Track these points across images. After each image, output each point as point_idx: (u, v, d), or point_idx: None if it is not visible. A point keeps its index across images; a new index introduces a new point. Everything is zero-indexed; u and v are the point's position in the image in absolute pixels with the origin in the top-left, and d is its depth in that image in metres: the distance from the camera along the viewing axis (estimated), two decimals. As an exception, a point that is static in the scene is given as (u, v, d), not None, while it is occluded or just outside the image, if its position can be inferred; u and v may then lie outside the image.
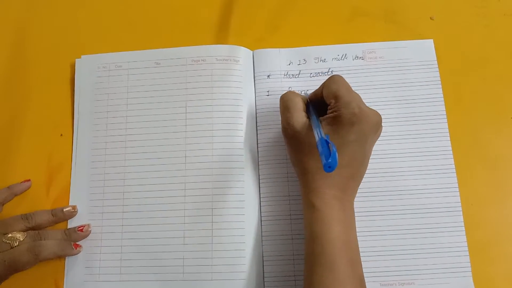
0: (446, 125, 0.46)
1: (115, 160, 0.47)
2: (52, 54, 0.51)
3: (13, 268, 0.41)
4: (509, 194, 0.45)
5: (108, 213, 0.45)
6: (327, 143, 0.34)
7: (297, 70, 0.49)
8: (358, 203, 0.43)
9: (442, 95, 0.47)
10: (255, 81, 0.49)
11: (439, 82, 0.48)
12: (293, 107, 0.41)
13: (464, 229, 0.43)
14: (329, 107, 0.39)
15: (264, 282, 0.43)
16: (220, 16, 0.52)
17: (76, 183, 0.47)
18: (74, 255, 0.44)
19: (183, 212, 0.45)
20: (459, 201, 0.44)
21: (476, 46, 0.49)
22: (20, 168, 0.47)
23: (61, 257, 0.44)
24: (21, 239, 0.42)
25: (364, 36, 0.50)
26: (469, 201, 0.44)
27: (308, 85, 0.48)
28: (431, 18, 0.51)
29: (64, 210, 0.45)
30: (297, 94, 0.42)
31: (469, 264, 0.42)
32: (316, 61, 0.49)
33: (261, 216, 0.45)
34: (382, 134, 0.46)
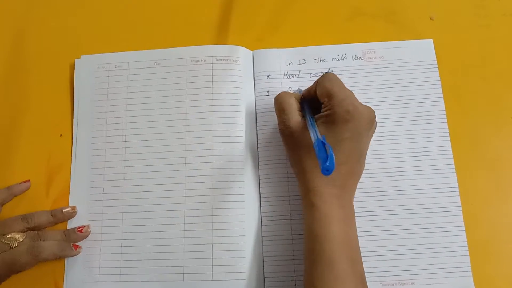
0: (446, 125, 0.46)
1: (114, 160, 0.47)
2: (52, 54, 0.51)
3: (12, 269, 0.41)
4: (509, 194, 0.45)
5: (108, 213, 0.45)
6: (324, 145, 0.34)
7: (297, 70, 0.49)
8: (358, 203, 0.43)
9: (441, 95, 0.47)
10: (255, 81, 0.49)
11: (439, 82, 0.48)
12: (288, 108, 0.41)
13: (464, 229, 0.43)
14: (323, 105, 0.40)
15: (264, 282, 0.43)
16: (220, 16, 0.52)
17: (76, 183, 0.46)
18: (74, 256, 0.44)
19: (183, 212, 0.45)
20: (459, 201, 0.44)
21: (476, 46, 0.49)
22: (20, 168, 0.47)
23: (60, 258, 0.44)
24: (21, 240, 0.42)
25: (364, 36, 0.50)
26: (469, 201, 0.44)
27: (308, 85, 0.48)
28: (430, 18, 0.51)
29: (64, 210, 0.45)
30: (291, 94, 0.43)
31: (469, 264, 0.42)
32: (316, 61, 0.49)
33: (261, 216, 0.45)
34: (382, 134, 0.46)
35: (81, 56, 0.50)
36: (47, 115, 0.49)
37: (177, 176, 0.46)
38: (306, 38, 0.50)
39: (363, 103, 0.40)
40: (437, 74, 0.48)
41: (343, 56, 0.49)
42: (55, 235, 0.44)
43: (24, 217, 0.44)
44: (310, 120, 0.39)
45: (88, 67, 0.50)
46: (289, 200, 0.45)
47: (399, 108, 0.47)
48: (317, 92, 0.40)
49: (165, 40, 0.51)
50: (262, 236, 0.44)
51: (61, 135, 0.48)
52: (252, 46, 0.50)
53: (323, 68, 0.49)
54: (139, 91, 0.48)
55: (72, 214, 0.45)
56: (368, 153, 0.45)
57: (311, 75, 0.49)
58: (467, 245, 0.43)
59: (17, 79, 0.50)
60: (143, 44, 0.50)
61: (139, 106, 0.48)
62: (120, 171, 0.46)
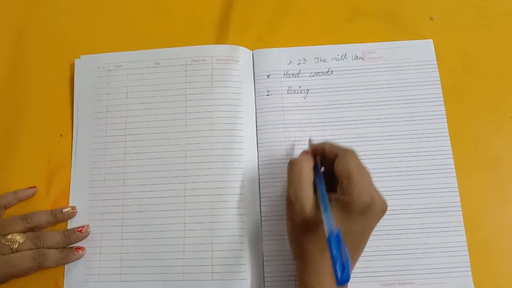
0: (446, 125, 0.46)
1: (115, 160, 0.47)
2: (52, 54, 0.51)
3: (13, 274, 0.41)
4: (509, 194, 0.45)
5: (108, 213, 0.45)
6: (340, 243, 0.31)
7: (297, 69, 0.49)
8: (358, 203, 0.44)
9: (441, 95, 0.47)
10: (255, 81, 0.49)
11: (439, 82, 0.48)
12: (304, 179, 0.37)
13: (464, 229, 0.43)
14: (340, 185, 0.37)
15: (264, 282, 0.43)
16: (220, 16, 0.52)
17: (76, 183, 0.46)
18: (77, 259, 0.44)
19: (183, 212, 0.45)
20: (459, 201, 0.44)
21: (476, 46, 0.49)
22: (20, 168, 0.47)
23: (64, 264, 0.44)
24: (21, 241, 0.42)
25: (364, 36, 0.50)
26: (469, 201, 0.44)
27: (308, 85, 0.48)
28: (431, 18, 0.51)
29: (64, 210, 0.45)
30: (308, 160, 0.39)
31: (469, 264, 0.42)
32: (316, 60, 0.49)
33: (261, 216, 0.45)
34: (382, 134, 0.46)
35: (81, 56, 0.50)
36: (47, 115, 0.49)
37: (177, 175, 0.46)
38: (306, 38, 0.50)
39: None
40: (437, 74, 0.48)
41: (343, 56, 0.49)
42: (55, 236, 0.44)
43: (23, 217, 0.44)
44: (324, 205, 0.35)
45: (88, 67, 0.50)
46: (289, 200, 0.45)
47: (399, 108, 0.47)
48: (336, 167, 0.37)
49: (165, 40, 0.51)
50: (262, 236, 0.44)
51: (61, 135, 0.48)
52: (252, 46, 0.50)
53: (323, 68, 0.49)
54: (139, 91, 0.48)
55: (72, 214, 0.45)
56: (368, 153, 0.46)
57: (311, 74, 0.49)
58: (466, 245, 0.43)
59: (17, 79, 0.50)
60: (143, 44, 0.50)
61: (139, 105, 0.48)
62: (120, 171, 0.46)
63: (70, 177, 0.47)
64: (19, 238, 0.42)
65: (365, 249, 0.42)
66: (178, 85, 0.48)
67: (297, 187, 0.37)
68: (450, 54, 0.49)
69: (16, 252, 0.41)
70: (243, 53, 0.49)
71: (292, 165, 0.39)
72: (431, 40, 0.49)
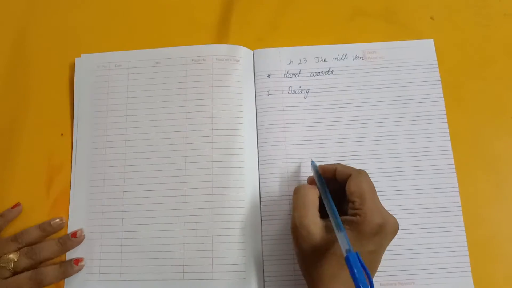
0: (446, 125, 0.46)
1: (115, 159, 0.47)
2: (52, 53, 0.51)
3: None
4: (509, 194, 0.45)
5: (108, 213, 0.45)
6: (361, 263, 0.31)
7: (297, 69, 0.49)
8: (358, 203, 0.44)
9: (442, 95, 0.47)
10: (255, 81, 0.49)
11: (439, 82, 0.48)
12: (309, 205, 0.38)
13: (464, 229, 0.43)
14: (351, 205, 0.37)
15: (264, 282, 0.43)
16: (220, 16, 0.52)
17: (76, 183, 0.46)
18: (77, 272, 0.43)
19: (183, 212, 0.45)
20: (459, 201, 0.44)
21: (476, 46, 0.49)
22: (21, 168, 0.47)
23: (64, 278, 0.43)
24: (15, 259, 0.41)
25: (364, 36, 0.50)
26: (469, 201, 0.44)
27: (308, 85, 0.48)
28: (431, 18, 0.51)
29: (52, 223, 0.44)
30: (313, 188, 0.39)
31: (469, 264, 0.42)
32: (317, 60, 0.49)
33: (261, 216, 0.45)
34: (382, 134, 0.46)
35: (82, 55, 0.50)
36: (47, 114, 0.49)
37: (177, 175, 0.46)
38: (306, 38, 0.50)
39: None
40: (438, 74, 0.48)
41: (344, 56, 0.49)
42: (51, 246, 0.43)
43: (14, 238, 0.43)
44: (337, 224, 0.35)
45: (88, 66, 0.50)
46: (289, 199, 0.45)
47: (399, 108, 0.47)
48: (348, 187, 0.37)
49: (165, 39, 0.51)
50: (262, 236, 0.44)
51: (62, 134, 0.48)
52: (253, 45, 0.50)
53: (323, 68, 0.49)
54: (139, 90, 0.48)
55: (60, 225, 0.45)
56: (368, 153, 0.46)
57: (312, 74, 0.49)
58: (467, 245, 0.43)
59: (17, 78, 0.50)
60: (143, 43, 0.50)
61: (139, 105, 0.48)
62: (120, 170, 0.46)
63: (71, 176, 0.47)
64: (13, 256, 0.42)
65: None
66: (178, 85, 0.48)
67: (302, 213, 0.37)
68: (451, 54, 0.49)
69: (14, 271, 0.41)
70: (243, 53, 0.49)
71: (297, 191, 0.39)
72: (432, 40, 0.49)
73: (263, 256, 0.44)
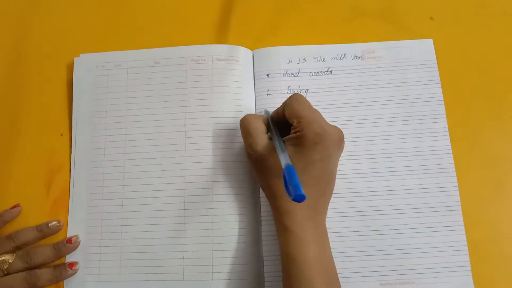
0: (445, 125, 0.46)
1: (114, 159, 0.47)
2: (51, 53, 0.51)
3: None
4: (509, 194, 0.45)
5: (108, 213, 0.45)
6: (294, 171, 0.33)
7: (296, 68, 0.49)
8: (359, 203, 0.44)
9: (441, 95, 0.47)
10: (255, 81, 0.48)
11: (439, 82, 0.48)
12: (254, 131, 0.40)
13: (464, 229, 0.43)
14: (292, 127, 0.39)
15: (264, 282, 0.43)
16: (220, 16, 0.52)
17: (76, 183, 0.46)
18: (71, 276, 0.43)
19: (183, 212, 0.45)
20: (459, 200, 0.44)
21: (476, 46, 0.49)
22: (20, 168, 0.47)
23: (58, 282, 0.43)
24: (11, 261, 0.41)
25: (364, 36, 0.50)
26: (469, 201, 0.44)
27: (307, 84, 0.48)
28: (430, 18, 0.51)
29: (50, 225, 0.44)
30: (257, 116, 0.42)
31: (468, 264, 0.42)
32: (316, 60, 0.49)
33: (261, 216, 0.45)
34: (382, 133, 0.46)
35: (80, 55, 0.50)
36: (47, 114, 0.49)
37: (176, 175, 0.45)
38: (306, 38, 0.50)
39: (330, 123, 0.40)
40: (437, 74, 0.48)
41: (343, 55, 0.49)
42: (45, 251, 0.43)
43: (9, 237, 0.43)
44: (279, 144, 0.38)
45: (87, 66, 0.50)
46: (289, 199, 0.44)
47: (398, 107, 0.47)
48: (285, 113, 0.40)
49: (164, 39, 0.51)
50: (262, 236, 0.44)
51: (61, 135, 0.48)
52: (252, 46, 0.50)
53: (322, 68, 0.49)
54: (139, 90, 0.48)
55: (58, 227, 0.45)
56: (367, 153, 0.46)
57: (311, 74, 0.49)
58: (466, 244, 0.43)
59: (16, 78, 0.50)
60: (142, 43, 0.50)
61: (138, 105, 0.48)
62: (119, 170, 0.46)
63: (70, 176, 0.47)
64: (8, 258, 0.41)
65: (365, 248, 0.42)
66: (178, 85, 0.48)
67: (250, 141, 0.40)
68: (450, 54, 0.49)
69: (7, 273, 0.41)
70: (243, 53, 0.49)
71: (242, 122, 0.42)
72: (431, 40, 0.49)
73: (263, 256, 0.43)
